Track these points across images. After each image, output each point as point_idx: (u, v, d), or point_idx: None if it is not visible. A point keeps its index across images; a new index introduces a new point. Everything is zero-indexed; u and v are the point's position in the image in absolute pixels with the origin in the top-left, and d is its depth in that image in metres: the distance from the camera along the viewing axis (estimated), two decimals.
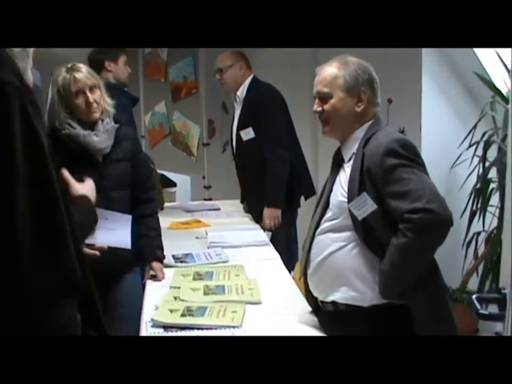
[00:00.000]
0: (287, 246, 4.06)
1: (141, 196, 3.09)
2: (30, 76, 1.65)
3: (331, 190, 2.37)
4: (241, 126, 4.26)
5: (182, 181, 7.16)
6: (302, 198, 4.35)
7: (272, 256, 3.46)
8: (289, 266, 3.45)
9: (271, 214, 4.08)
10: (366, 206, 2.16)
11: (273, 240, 4.16)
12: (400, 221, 2.09)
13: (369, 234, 2.18)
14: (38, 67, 2.82)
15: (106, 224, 2.65)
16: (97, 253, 2.38)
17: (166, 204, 4.91)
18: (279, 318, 2.47)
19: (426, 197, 2.06)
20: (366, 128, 2.31)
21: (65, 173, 2.20)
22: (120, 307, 2.96)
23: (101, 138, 2.85)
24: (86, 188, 2.18)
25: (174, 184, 7.52)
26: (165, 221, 4.27)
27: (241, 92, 4.26)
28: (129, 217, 2.80)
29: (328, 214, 2.34)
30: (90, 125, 2.86)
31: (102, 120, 2.89)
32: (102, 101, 2.88)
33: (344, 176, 2.30)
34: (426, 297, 2.16)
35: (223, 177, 5.58)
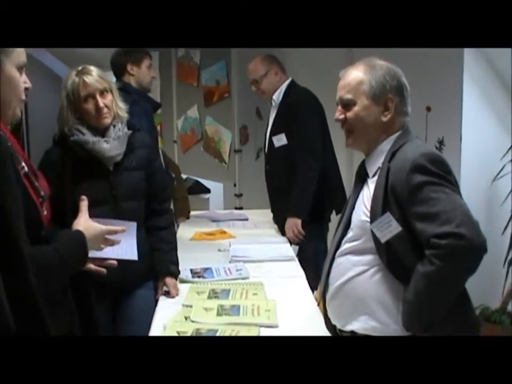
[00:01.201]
0: (315, 262, 3.83)
1: (155, 207, 2.91)
2: (13, 72, 1.53)
3: (353, 208, 2.15)
4: (274, 132, 4.08)
5: (215, 188, 7.03)
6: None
7: (296, 273, 3.25)
8: (315, 284, 3.23)
9: (290, 224, 3.88)
10: (390, 227, 1.93)
11: (300, 255, 3.96)
12: (426, 246, 1.87)
13: (393, 258, 1.96)
14: (71, 67, 2.70)
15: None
16: (103, 270, 2.17)
17: (193, 212, 4.74)
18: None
19: (456, 220, 1.83)
20: (393, 140, 2.09)
21: (84, 203, 2.12)
22: (129, 325, 2.79)
23: (111, 146, 2.68)
24: (84, 227, 2.01)
25: (208, 191, 7.40)
26: (189, 231, 4.16)
27: (277, 96, 4.08)
28: (134, 224, 2.59)
29: (349, 234, 2.13)
30: (101, 131, 2.70)
31: (114, 126, 2.72)
32: (113, 105, 2.71)
33: (367, 193, 2.08)
34: (454, 331, 1.93)
35: (256, 185, 5.38)
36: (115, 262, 2.19)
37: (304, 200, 3.86)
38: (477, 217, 1.89)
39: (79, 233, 1.96)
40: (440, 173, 1.92)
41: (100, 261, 2.13)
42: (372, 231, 1.99)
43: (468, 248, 1.81)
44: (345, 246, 2.12)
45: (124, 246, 2.51)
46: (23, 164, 1.83)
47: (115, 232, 2.10)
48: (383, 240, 1.95)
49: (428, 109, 4.15)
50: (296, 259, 3.55)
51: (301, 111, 3.95)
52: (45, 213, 1.91)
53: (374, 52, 2.08)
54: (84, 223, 2.04)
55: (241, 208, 5.58)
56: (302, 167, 3.86)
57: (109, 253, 2.26)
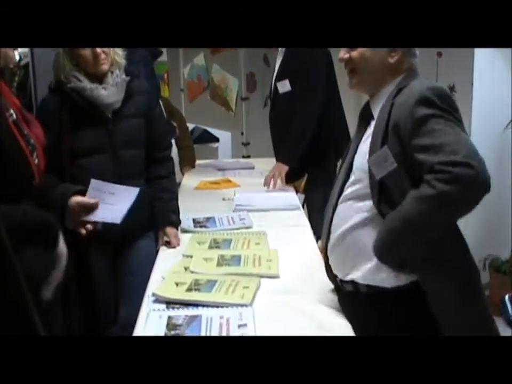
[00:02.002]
0: (321, 211, 3.77)
1: (155, 155, 2.85)
2: None
3: (355, 151, 2.07)
4: (279, 78, 3.97)
5: (224, 137, 6.95)
6: None
7: (301, 222, 3.19)
8: (321, 233, 3.18)
9: (276, 168, 3.81)
10: (386, 163, 1.83)
11: (307, 204, 3.92)
12: (428, 172, 1.74)
13: (385, 198, 1.87)
14: None
15: (110, 199, 2.46)
16: (83, 232, 2.19)
17: (198, 161, 4.68)
18: (295, 297, 2.22)
19: (463, 152, 1.70)
20: (398, 81, 1.99)
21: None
22: (130, 276, 2.76)
23: (109, 92, 2.60)
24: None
25: (216, 140, 7.32)
26: (194, 180, 4.11)
27: None
28: (136, 190, 2.57)
29: (352, 178, 2.04)
30: (99, 78, 2.62)
31: (112, 73, 2.64)
32: (111, 51, 2.62)
33: (370, 134, 1.99)
34: (445, 277, 1.84)
35: (263, 134, 5.28)
36: (89, 227, 2.33)
37: (296, 149, 3.76)
38: (487, 166, 1.78)
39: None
40: (447, 108, 1.81)
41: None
42: (370, 169, 1.91)
43: (476, 179, 1.68)
44: (347, 191, 2.04)
45: (115, 209, 2.48)
46: (12, 111, 1.78)
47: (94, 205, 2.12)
48: (378, 176, 1.86)
49: (439, 54, 4.04)
50: (301, 208, 3.50)
51: (306, 57, 3.83)
52: (36, 161, 1.86)
53: None
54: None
55: (248, 157, 5.51)
56: (301, 116, 3.76)
57: (96, 216, 2.27)
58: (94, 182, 2.42)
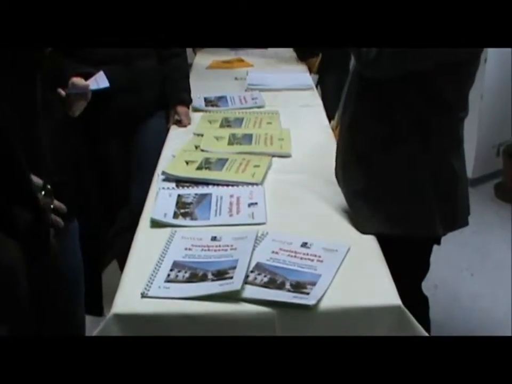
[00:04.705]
0: (334, 91, 3.71)
1: None
2: None
3: None
4: None
5: None
6: None
7: (314, 102, 3.13)
8: (333, 113, 3.13)
9: None
10: None
11: (322, 84, 3.86)
12: None
13: None
14: None
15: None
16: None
17: None
18: (305, 177, 2.20)
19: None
20: None
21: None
22: (140, 155, 2.72)
23: None
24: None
25: None
26: (206, 59, 4.03)
27: None
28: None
29: None
30: None
31: None
32: None
33: None
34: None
35: None
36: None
37: None
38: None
39: None
40: None
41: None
42: None
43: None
44: None
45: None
46: None
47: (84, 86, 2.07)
48: None
49: None
50: (315, 88, 3.43)
51: None
52: None
53: None
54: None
55: None
56: None
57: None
58: (100, 74, 2.32)
